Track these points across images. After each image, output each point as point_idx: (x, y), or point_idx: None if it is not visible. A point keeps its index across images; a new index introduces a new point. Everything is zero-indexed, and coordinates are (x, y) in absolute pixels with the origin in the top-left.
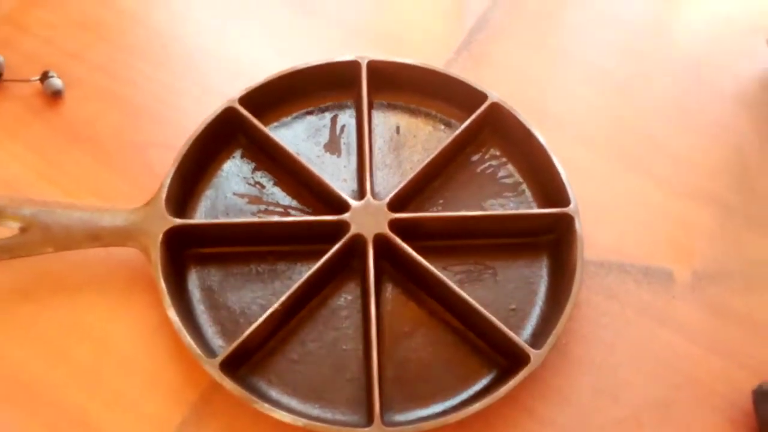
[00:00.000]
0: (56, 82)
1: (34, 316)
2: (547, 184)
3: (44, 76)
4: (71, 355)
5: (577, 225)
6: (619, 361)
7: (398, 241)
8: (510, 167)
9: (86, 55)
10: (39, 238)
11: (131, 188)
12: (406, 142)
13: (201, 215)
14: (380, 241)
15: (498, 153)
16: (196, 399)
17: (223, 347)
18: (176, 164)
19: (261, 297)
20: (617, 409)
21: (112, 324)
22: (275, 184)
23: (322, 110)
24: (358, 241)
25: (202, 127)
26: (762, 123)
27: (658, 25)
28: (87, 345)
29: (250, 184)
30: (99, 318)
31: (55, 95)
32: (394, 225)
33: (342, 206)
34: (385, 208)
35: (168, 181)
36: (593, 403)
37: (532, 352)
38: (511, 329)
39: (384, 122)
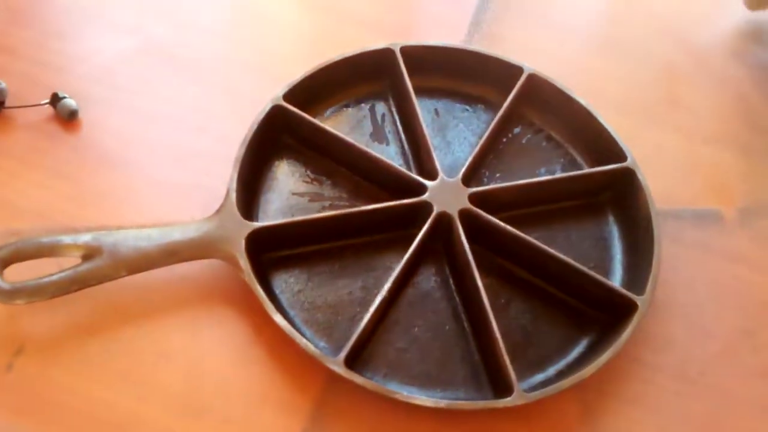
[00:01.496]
0: (70, 102)
1: (108, 351)
2: (594, 143)
3: (55, 99)
4: (161, 385)
5: (640, 176)
6: (700, 299)
7: (483, 213)
8: (552, 134)
9: (90, 73)
10: (109, 262)
11: (179, 202)
12: (447, 124)
13: (269, 218)
14: (465, 216)
15: (537, 123)
16: (311, 406)
17: (326, 348)
18: (236, 169)
19: (351, 291)
20: (712, 344)
21: (198, 344)
22: (333, 179)
23: (358, 101)
24: (443, 220)
25: (254, 128)
26: (752, 67)
27: None
28: (176, 371)
29: (307, 181)
30: (182, 341)
31: (71, 117)
32: (473, 199)
33: (417, 189)
34: (461, 184)
35: (233, 185)
36: (690, 341)
37: (638, 299)
38: None
39: (421, 107)
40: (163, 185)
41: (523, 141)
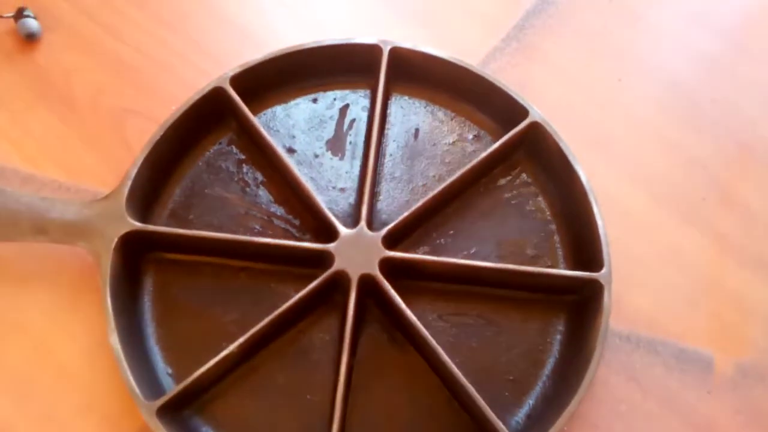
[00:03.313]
0: (31, 23)
1: None
2: (580, 232)
3: (19, 14)
4: (4, 356)
5: (606, 296)
6: None
7: (386, 286)
8: (541, 201)
9: None
10: None
11: (101, 163)
12: (423, 151)
13: (170, 212)
14: (366, 281)
15: (530, 180)
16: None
17: (172, 375)
18: (146, 153)
19: (226, 321)
20: None
21: (54, 328)
22: (262, 183)
23: (333, 98)
24: (341, 279)
25: (183, 109)
26: None
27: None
28: (24, 347)
29: (234, 180)
30: (41, 318)
31: (29, 38)
32: (386, 264)
33: (330, 231)
34: (379, 243)
35: (134, 171)
36: None
37: None
38: (504, 405)
39: (402, 122)
40: (92, 141)
41: (504, 196)
